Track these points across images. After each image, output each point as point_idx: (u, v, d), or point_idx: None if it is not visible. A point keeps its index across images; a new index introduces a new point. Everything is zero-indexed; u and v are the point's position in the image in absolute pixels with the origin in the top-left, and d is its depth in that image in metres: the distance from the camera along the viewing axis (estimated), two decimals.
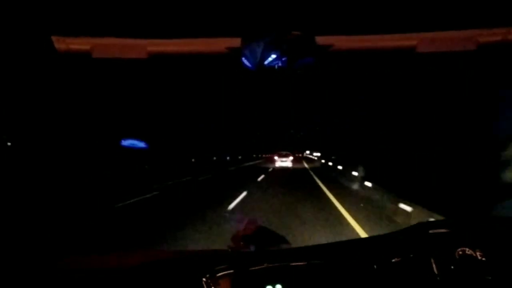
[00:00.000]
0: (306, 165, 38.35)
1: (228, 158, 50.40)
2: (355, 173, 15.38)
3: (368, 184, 12.33)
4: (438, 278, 1.36)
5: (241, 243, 1.65)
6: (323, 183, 16.65)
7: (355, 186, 14.11)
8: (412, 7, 1.71)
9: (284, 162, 35.89)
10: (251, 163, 45.41)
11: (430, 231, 1.50)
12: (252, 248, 1.62)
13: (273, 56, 1.50)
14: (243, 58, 1.49)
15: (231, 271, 1.36)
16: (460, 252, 1.38)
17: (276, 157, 38.29)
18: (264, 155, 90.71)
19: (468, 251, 1.38)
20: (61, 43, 1.42)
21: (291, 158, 38.29)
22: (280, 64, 1.52)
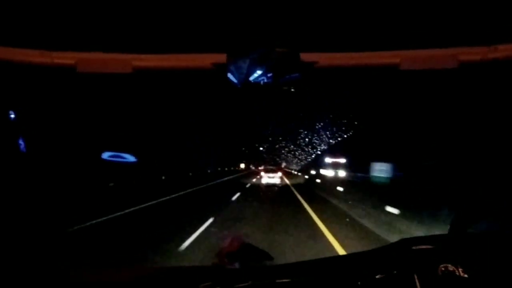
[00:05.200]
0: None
1: (208, 171, 49.45)
2: None
3: None
4: None
5: (226, 259, 1.63)
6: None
7: None
8: (396, 25, 1.75)
9: (272, 179, 30.84)
10: (230, 177, 43.40)
11: (413, 247, 1.50)
12: (237, 265, 1.61)
13: (259, 72, 1.51)
14: (228, 74, 1.50)
15: None
16: (443, 269, 1.38)
17: (262, 173, 33.63)
18: (238, 168, 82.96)
19: (451, 268, 1.38)
20: (46, 57, 1.41)
21: (279, 174, 33.10)
22: (265, 80, 1.54)
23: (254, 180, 32.71)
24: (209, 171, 48.87)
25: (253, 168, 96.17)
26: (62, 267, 1.56)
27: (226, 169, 64.74)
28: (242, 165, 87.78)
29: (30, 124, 1.71)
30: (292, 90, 1.60)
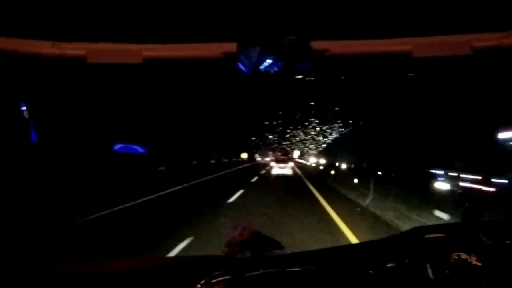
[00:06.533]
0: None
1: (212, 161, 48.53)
2: None
3: None
4: (433, 283, 1.36)
5: (237, 249, 1.64)
6: None
7: None
8: (408, 11, 1.72)
9: (283, 169, 30.05)
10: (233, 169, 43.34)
11: (426, 236, 1.50)
12: (248, 253, 1.62)
13: (269, 61, 1.50)
14: (238, 63, 1.49)
15: (227, 277, 1.36)
16: (456, 257, 1.38)
17: (273, 163, 32.85)
18: (239, 159, 70.09)
19: (464, 256, 1.37)
20: (56, 48, 1.42)
21: (291, 164, 31.96)
22: (276, 69, 1.53)
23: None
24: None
25: (259, 159, 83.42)
26: (69, 257, 1.58)
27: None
28: (244, 155, 76.02)
29: (42, 116, 1.72)
30: (308, 78, 1.58)
